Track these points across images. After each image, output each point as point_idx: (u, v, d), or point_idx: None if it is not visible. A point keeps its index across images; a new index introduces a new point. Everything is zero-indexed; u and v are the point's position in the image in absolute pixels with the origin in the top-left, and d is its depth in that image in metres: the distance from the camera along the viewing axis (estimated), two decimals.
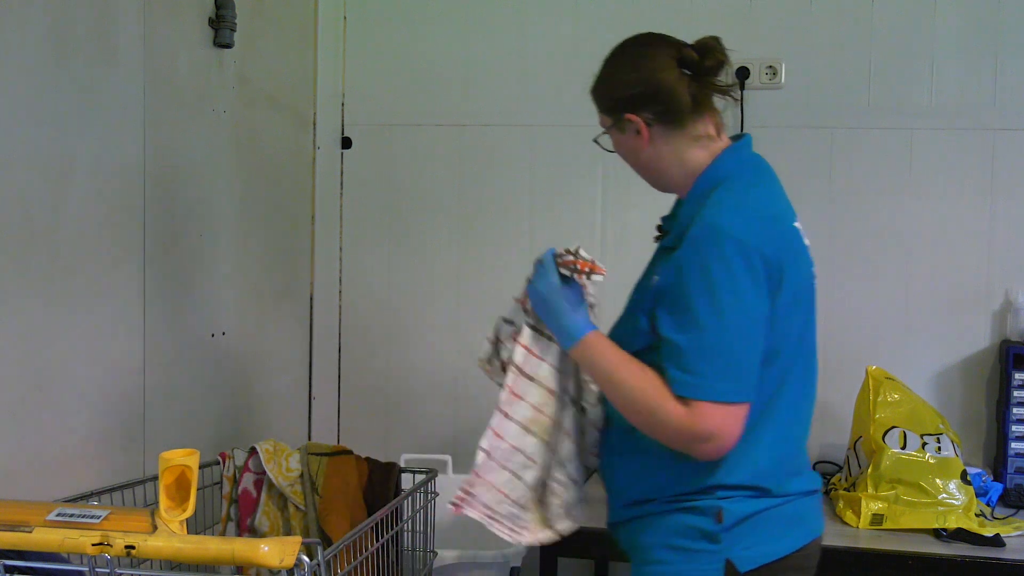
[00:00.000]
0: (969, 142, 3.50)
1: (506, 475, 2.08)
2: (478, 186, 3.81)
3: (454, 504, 2.07)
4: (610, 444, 2.16)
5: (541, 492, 2.13)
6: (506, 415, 2.10)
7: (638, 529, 2.08)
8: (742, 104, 3.58)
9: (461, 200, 3.83)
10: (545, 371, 2.11)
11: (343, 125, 3.89)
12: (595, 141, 2.23)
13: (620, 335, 2.08)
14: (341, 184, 3.90)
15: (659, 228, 2.23)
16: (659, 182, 2.16)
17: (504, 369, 2.15)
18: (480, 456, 2.08)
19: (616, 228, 3.72)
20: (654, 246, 3.36)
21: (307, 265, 3.89)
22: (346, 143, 3.88)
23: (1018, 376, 3.30)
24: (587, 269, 2.05)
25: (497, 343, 2.20)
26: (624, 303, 2.20)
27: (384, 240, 3.89)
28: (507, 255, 3.79)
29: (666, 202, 3.66)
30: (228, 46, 3.12)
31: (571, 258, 2.06)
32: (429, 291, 3.85)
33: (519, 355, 2.10)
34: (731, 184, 2.01)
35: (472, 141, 3.81)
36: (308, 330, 3.91)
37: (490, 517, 2.08)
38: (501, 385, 2.13)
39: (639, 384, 1.94)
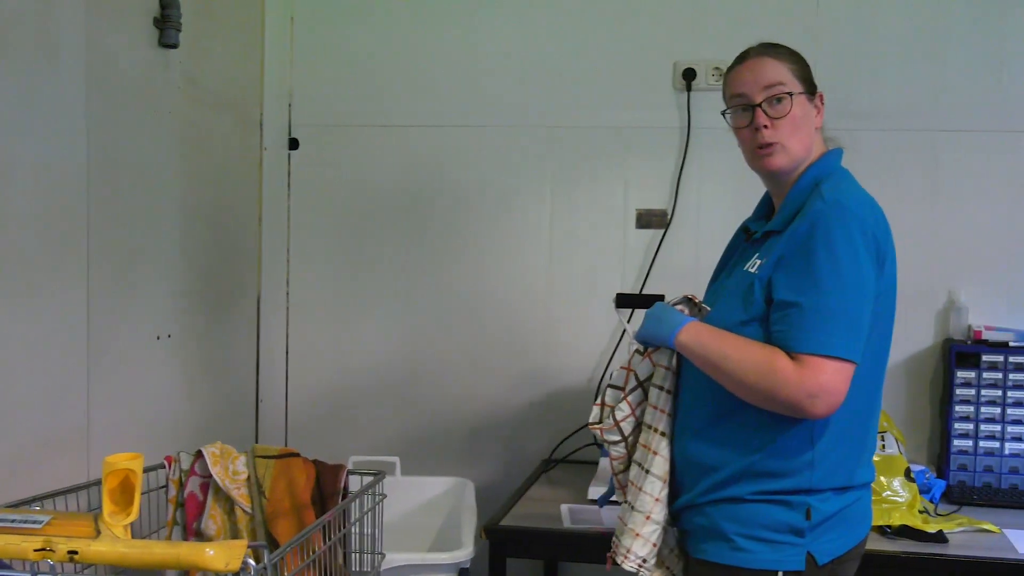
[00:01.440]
0: (911, 143, 3.54)
1: (652, 526, 2.23)
2: (427, 187, 3.80)
3: (610, 558, 2.28)
4: (695, 428, 2.21)
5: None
6: (648, 471, 2.23)
7: (722, 514, 2.16)
8: (688, 105, 3.60)
9: (410, 201, 3.82)
10: (668, 423, 2.26)
11: (290, 126, 3.87)
12: (723, 114, 2.31)
13: (713, 321, 2.20)
14: (288, 185, 3.88)
15: (746, 230, 2.36)
16: (792, 158, 2.22)
17: (617, 427, 2.30)
18: (628, 511, 2.26)
19: (564, 227, 3.73)
20: (603, 242, 3.51)
21: (254, 267, 3.86)
22: (293, 144, 3.86)
23: (961, 374, 3.35)
24: (699, 300, 2.30)
25: (604, 406, 2.33)
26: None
27: (332, 241, 3.87)
28: (456, 256, 3.79)
29: (610, 203, 3.69)
30: (174, 46, 3.09)
31: (680, 300, 2.29)
32: (378, 292, 3.84)
33: (648, 415, 2.27)
34: (840, 178, 2.19)
35: (421, 142, 3.80)
36: (255, 332, 3.89)
37: (643, 567, 2.24)
38: (610, 444, 2.31)
39: (748, 350, 2.07)
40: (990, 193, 3.51)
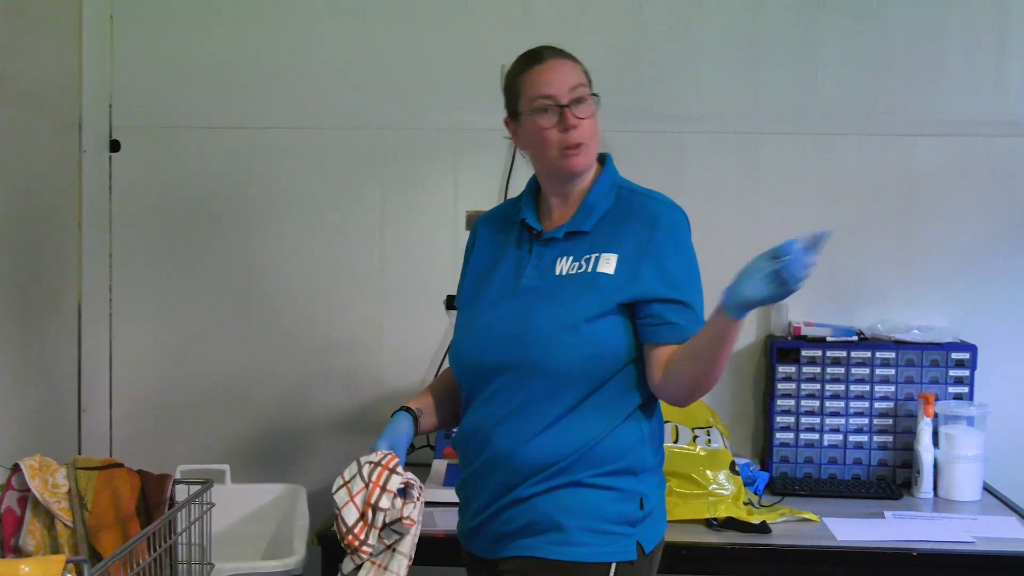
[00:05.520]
0: (733, 145, 3.65)
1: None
2: (255, 190, 3.75)
3: None
4: (535, 431, 2.18)
5: None
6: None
7: (556, 506, 2.16)
8: None
9: (238, 204, 3.75)
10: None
11: (111, 127, 3.76)
12: (510, 119, 2.36)
13: (558, 318, 2.19)
14: (110, 189, 3.77)
15: (529, 228, 2.33)
16: (591, 158, 2.31)
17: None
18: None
19: (395, 228, 3.73)
20: (433, 243, 3.76)
21: (74, 272, 3.74)
22: (114, 146, 3.75)
23: (781, 369, 3.46)
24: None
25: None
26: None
27: (158, 245, 3.78)
28: (286, 259, 3.75)
29: (440, 205, 3.69)
30: None
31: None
32: (206, 296, 3.77)
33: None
34: (635, 185, 2.36)
35: (248, 144, 3.75)
36: (76, 339, 3.76)
37: None
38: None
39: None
40: (807, 193, 3.64)
